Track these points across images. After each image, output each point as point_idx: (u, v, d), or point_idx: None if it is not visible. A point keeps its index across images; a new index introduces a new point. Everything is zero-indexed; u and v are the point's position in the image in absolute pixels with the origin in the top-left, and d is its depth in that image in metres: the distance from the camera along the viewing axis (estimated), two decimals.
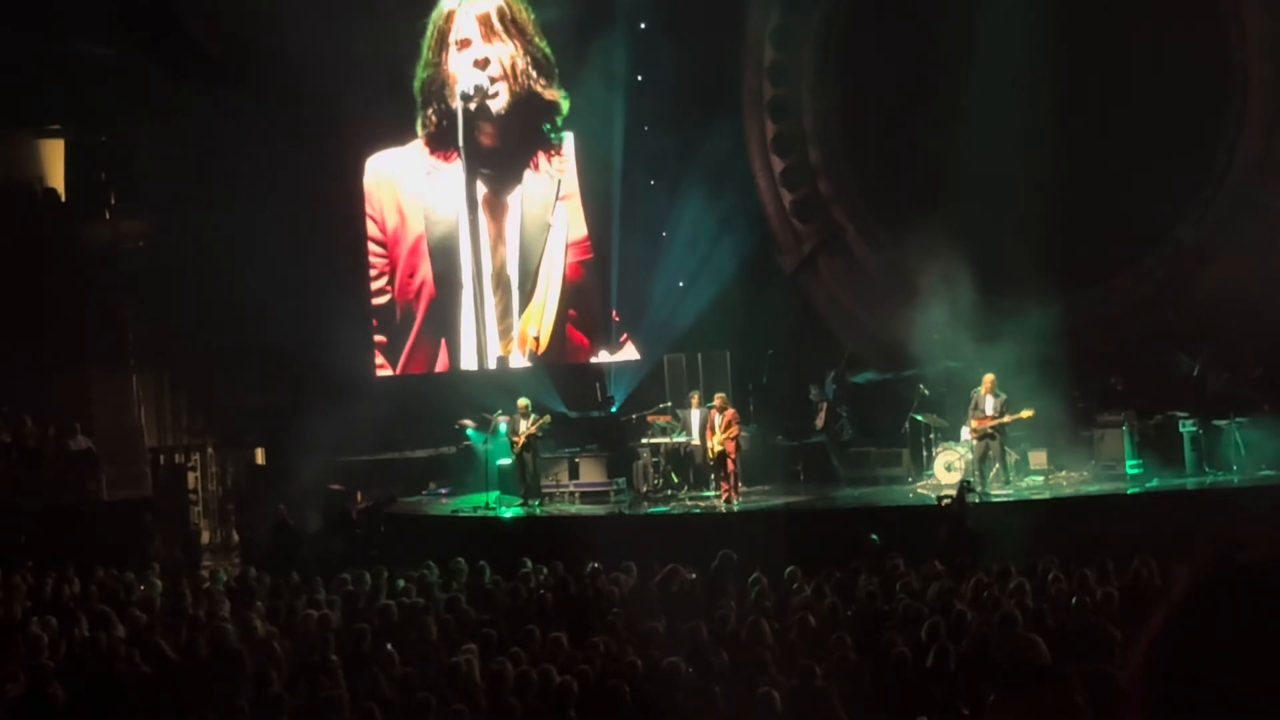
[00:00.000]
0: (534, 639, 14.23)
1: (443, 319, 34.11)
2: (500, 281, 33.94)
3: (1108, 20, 26.99)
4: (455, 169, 33.87)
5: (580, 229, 33.22)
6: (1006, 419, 23.95)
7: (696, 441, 26.71)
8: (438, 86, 33.95)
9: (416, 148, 34.45)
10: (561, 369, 32.50)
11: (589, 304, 33.16)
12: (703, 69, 30.08)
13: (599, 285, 32.93)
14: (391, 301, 34.56)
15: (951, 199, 27.04)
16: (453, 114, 33.59)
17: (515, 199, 33.92)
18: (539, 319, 33.32)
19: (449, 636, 14.93)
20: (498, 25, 33.42)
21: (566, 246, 33.20)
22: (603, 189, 32.22)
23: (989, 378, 24.29)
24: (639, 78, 31.02)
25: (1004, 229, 26.09)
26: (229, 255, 30.72)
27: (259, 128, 30.94)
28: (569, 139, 33.01)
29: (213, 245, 31.07)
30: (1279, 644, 1.70)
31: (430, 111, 34.18)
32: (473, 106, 33.25)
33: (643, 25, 30.97)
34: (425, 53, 34.00)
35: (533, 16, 33.16)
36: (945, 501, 21.60)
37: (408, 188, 34.94)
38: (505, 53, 33.42)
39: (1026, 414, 23.94)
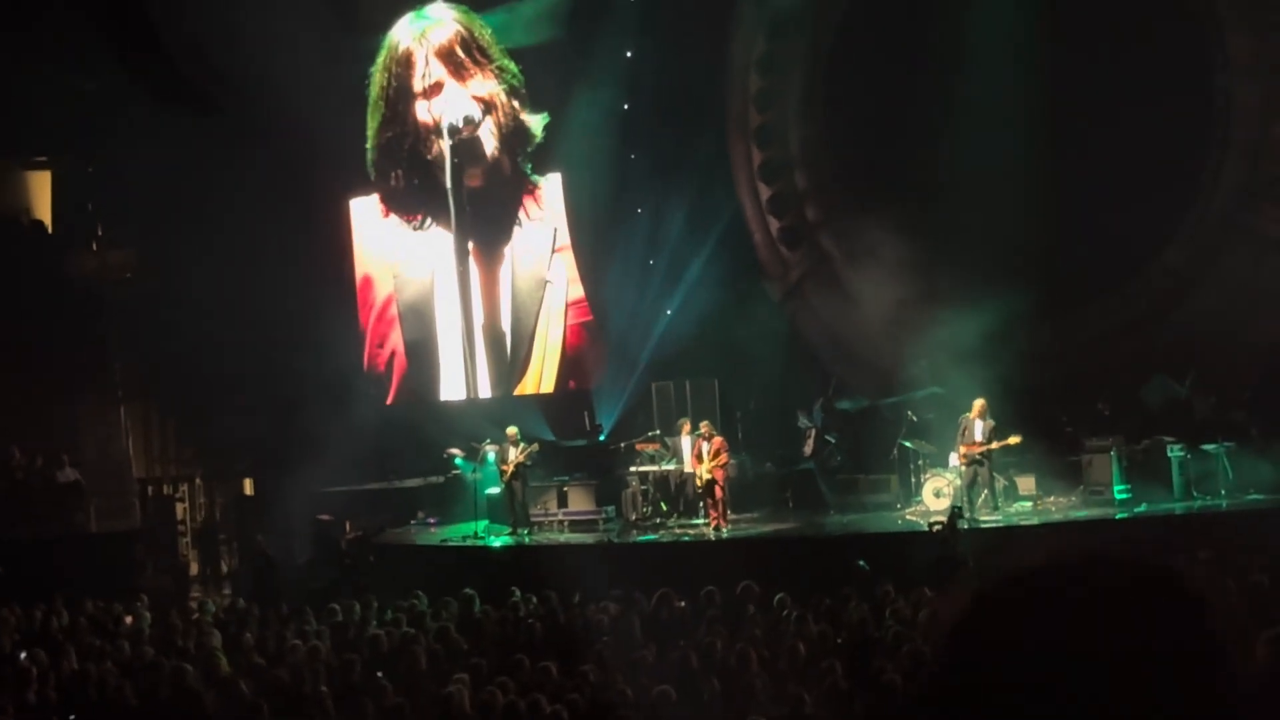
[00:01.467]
0: (523, 668, 14.21)
1: (419, 393, 33.87)
2: (493, 346, 33.38)
3: (1093, 45, 27.06)
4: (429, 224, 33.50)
5: (579, 287, 32.74)
6: (995, 445, 23.95)
7: (686, 469, 26.69)
8: (408, 144, 33.16)
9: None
10: (550, 398, 32.47)
11: (588, 371, 32.67)
12: (688, 97, 30.16)
13: (597, 350, 32.55)
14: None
15: (938, 225, 27.13)
16: (425, 170, 33.02)
17: (508, 251, 33.27)
18: (535, 388, 33.06)
19: (438, 666, 14.91)
20: (463, 55, 32.65)
21: (567, 306, 32.74)
22: (590, 223, 32.06)
23: (979, 403, 24.28)
24: (625, 106, 31.05)
25: (991, 254, 26.14)
26: (216, 286, 30.70)
27: (246, 159, 30.95)
28: (556, 180, 32.75)
29: (200, 276, 31.01)
30: (1048, 651, 1.74)
31: (398, 172, 33.45)
32: (460, 141, 32.57)
33: (629, 54, 31.00)
34: (380, 107, 33.17)
35: (491, 35, 32.55)
36: (936, 528, 21.61)
37: (373, 244, 34.34)
38: (482, 86, 32.73)
39: (1014, 439, 23.91)
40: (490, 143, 32.86)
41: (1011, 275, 26.24)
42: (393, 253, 34.12)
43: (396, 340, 34.18)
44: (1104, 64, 26.97)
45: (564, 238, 32.71)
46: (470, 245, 33.25)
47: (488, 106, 32.72)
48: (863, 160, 28.91)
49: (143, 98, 29.20)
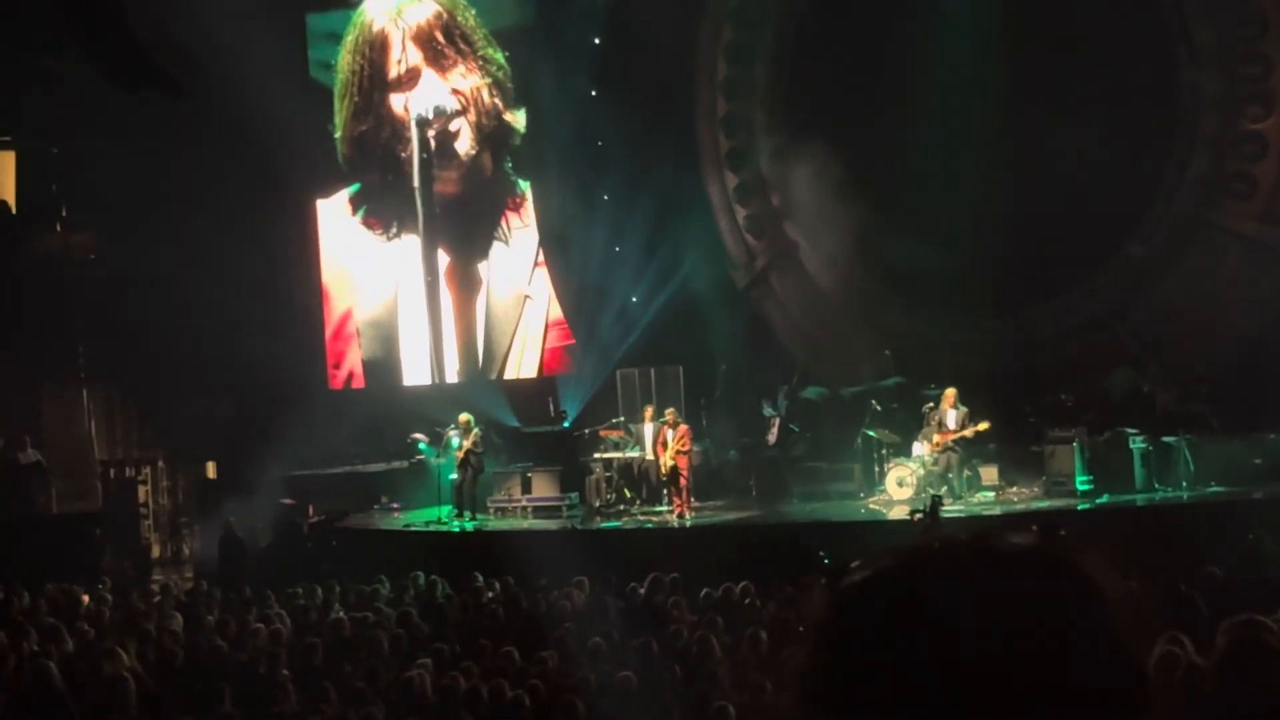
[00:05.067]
0: (486, 653, 14.22)
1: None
2: (467, 369, 33.05)
3: (1059, 36, 27.11)
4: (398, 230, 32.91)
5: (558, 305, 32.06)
6: (969, 431, 24.10)
7: (649, 456, 26.73)
8: (383, 139, 32.59)
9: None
10: (514, 384, 32.43)
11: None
12: (656, 86, 30.12)
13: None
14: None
15: (903, 214, 27.17)
16: (399, 170, 32.50)
17: (483, 268, 32.60)
18: None
19: (400, 651, 14.90)
20: (443, 41, 31.82)
21: (547, 327, 32.36)
22: (557, 211, 31.88)
23: (951, 391, 24.44)
24: (592, 93, 31.00)
25: (956, 246, 26.18)
26: (181, 268, 30.55)
27: (213, 144, 30.83)
28: (528, 187, 32.41)
29: (165, 258, 30.85)
30: (895, 656, 1.74)
31: (371, 174, 32.93)
32: (432, 137, 32.16)
33: (596, 40, 30.95)
34: (351, 95, 32.56)
35: (476, 18, 31.95)
36: (918, 516, 21.62)
37: (336, 249, 33.64)
38: (463, 80, 31.96)
39: (983, 426, 24.07)
40: (467, 142, 32.09)
41: (976, 266, 26.32)
42: (355, 261, 33.59)
43: (355, 361, 33.81)
44: (1070, 56, 27.01)
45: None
46: (442, 256, 32.65)
47: (467, 102, 31.89)
48: (828, 149, 28.87)
49: (108, 78, 29.08)
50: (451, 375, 32.92)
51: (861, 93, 28.25)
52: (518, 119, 31.83)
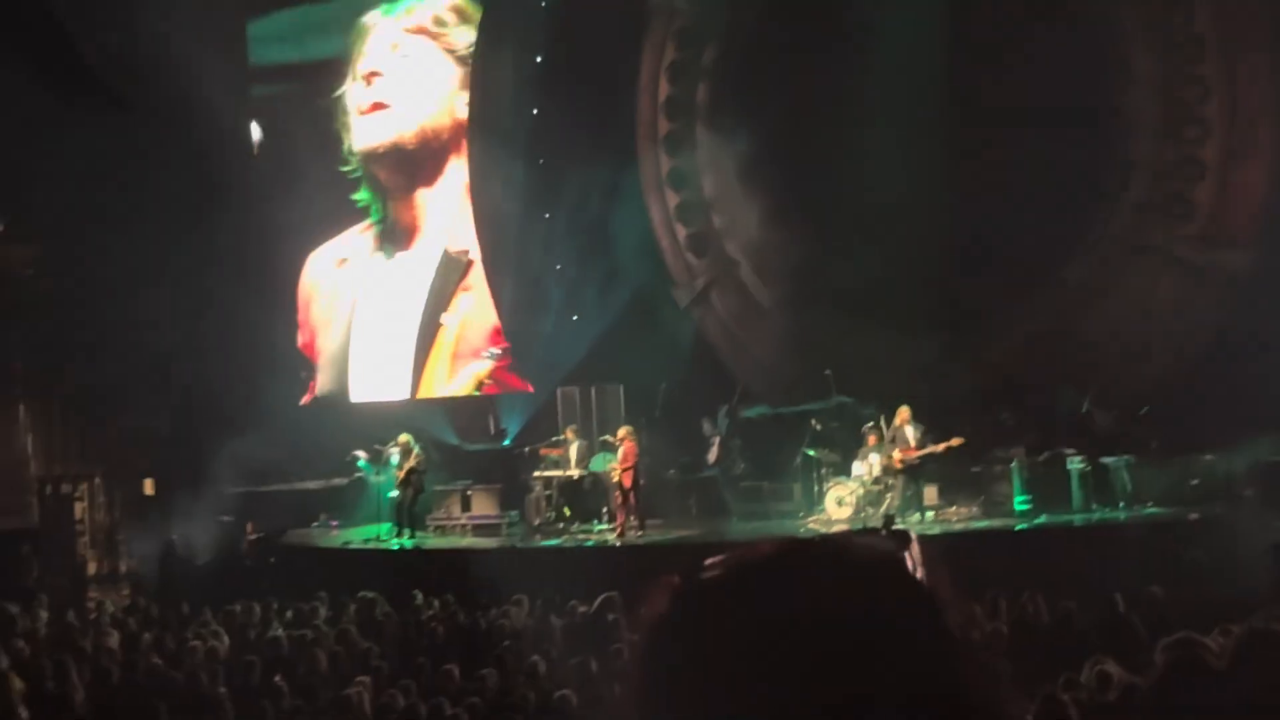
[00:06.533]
0: (425, 671, 14.18)
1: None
2: (387, 380, 33.55)
3: (1000, 59, 27.24)
4: (365, 256, 33.47)
5: (486, 327, 32.49)
6: (940, 448, 24.23)
7: (574, 474, 26.76)
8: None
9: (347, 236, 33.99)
10: (455, 401, 32.39)
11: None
12: (599, 103, 30.12)
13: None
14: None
15: (843, 235, 27.26)
16: None
17: (417, 283, 33.18)
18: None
19: (339, 668, 14.84)
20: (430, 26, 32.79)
21: (464, 346, 32.78)
22: (498, 228, 31.96)
23: (905, 410, 24.55)
24: (534, 111, 31.01)
25: (895, 267, 26.29)
26: (120, 283, 30.38)
27: (154, 155, 30.64)
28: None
29: (104, 273, 30.68)
30: (725, 649, 1.75)
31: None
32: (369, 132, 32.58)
33: (538, 59, 31.01)
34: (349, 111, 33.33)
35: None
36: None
37: (321, 292, 34.27)
38: (410, 64, 32.77)
39: (956, 441, 24.27)
40: (410, 131, 32.95)
41: (916, 287, 26.45)
42: (337, 295, 34.10)
43: (303, 378, 34.44)
44: (1010, 79, 27.14)
45: (476, 272, 32.54)
46: (391, 275, 33.30)
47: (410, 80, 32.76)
48: (769, 169, 28.94)
49: (48, 90, 28.92)
50: (391, 394, 32.95)
51: (804, 113, 28.30)
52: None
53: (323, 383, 33.80)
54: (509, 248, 31.66)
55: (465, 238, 32.46)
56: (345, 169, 33.22)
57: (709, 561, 1.85)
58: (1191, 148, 27.04)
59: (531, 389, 31.47)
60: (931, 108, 26.57)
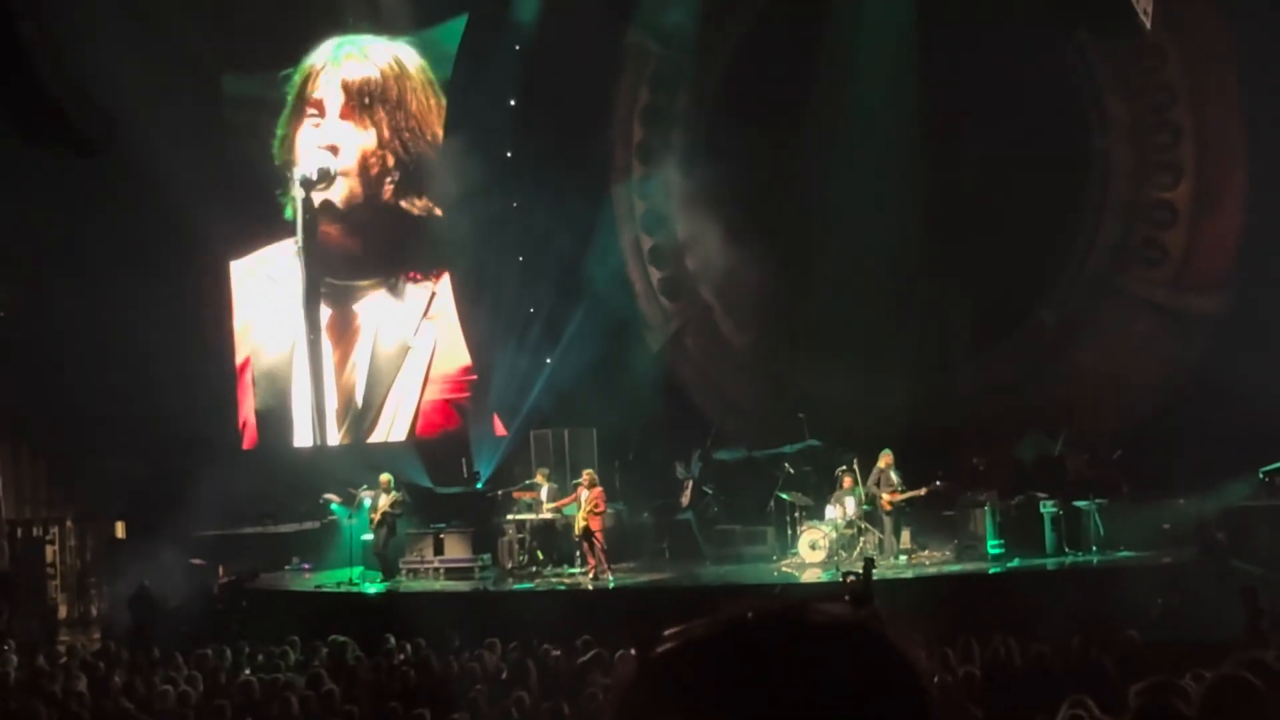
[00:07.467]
0: (397, 716, 14.12)
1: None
2: (346, 419, 33.29)
3: (974, 104, 27.34)
4: (295, 278, 33.17)
5: (453, 359, 32.39)
6: (923, 491, 24.28)
7: (547, 517, 26.71)
8: (283, 161, 33.03)
9: (274, 249, 33.69)
10: (427, 444, 32.31)
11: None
12: (571, 148, 30.16)
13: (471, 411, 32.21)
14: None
15: (817, 279, 27.33)
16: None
17: (369, 317, 33.02)
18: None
19: (310, 713, 14.77)
20: (365, 100, 32.26)
21: (428, 379, 32.67)
22: (471, 272, 31.88)
23: (888, 454, 24.57)
24: (508, 154, 31.04)
25: (869, 310, 26.35)
26: (91, 326, 30.29)
27: (126, 203, 30.56)
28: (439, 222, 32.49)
29: (75, 316, 30.59)
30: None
31: (278, 193, 33.22)
32: (315, 197, 32.43)
33: (512, 102, 31.06)
34: (284, 115, 33.04)
35: (433, 82, 32.30)
36: (851, 579, 21.59)
37: (244, 303, 33.95)
38: (361, 140, 32.39)
39: (941, 484, 24.35)
40: (350, 195, 32.75)
41: (889, 331, 26.52)
42: (261, 311, 33.84)
43: (249, 411, 34.09)
44: (984, 122, 27.26)
45: (442, 304, 32.47)
46: (325, 311, 33.07)
47: (360, 167, 32.45)
48: (743, 213, 29.00)
49: (17, 133, 28.85)
50: (333, 437, 32.99)
51: (777, 158, 28.35)
52: (428, 205, 32.50)
53: (267, 422, 33.76)
54: (482, 289, 31.60)
55: (418, 269, 32.65)
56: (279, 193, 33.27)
57: (668, 633, 1.83)
58: (1163, 191, 27.19)
59: (502, 427, 31.39)
60: (907, 151, 26.68)
